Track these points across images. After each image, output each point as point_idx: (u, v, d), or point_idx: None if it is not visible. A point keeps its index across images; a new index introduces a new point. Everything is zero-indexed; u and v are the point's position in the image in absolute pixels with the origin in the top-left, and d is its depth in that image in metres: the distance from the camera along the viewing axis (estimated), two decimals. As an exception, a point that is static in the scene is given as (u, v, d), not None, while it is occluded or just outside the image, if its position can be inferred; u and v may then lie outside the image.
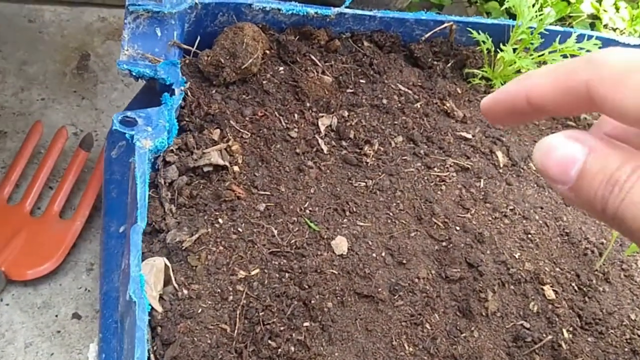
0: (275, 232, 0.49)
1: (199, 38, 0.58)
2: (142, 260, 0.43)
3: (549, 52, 0.66)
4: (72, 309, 0.59)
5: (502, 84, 0.66)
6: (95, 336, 0.58)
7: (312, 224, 0.50)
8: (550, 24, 0.67)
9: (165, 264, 0.43)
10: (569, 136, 0.22)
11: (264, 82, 0.58)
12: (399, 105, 0.61)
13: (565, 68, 0.22)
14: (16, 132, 0.70)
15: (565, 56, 0.65)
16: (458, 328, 0.48)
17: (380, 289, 0.48)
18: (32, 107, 0.72)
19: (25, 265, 0.59)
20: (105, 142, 0.61)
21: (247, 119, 0.55)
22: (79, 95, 0.75)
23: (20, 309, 0.58)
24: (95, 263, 0.63)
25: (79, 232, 0.62)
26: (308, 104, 0.58)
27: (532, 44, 0.65)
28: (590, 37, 0.66)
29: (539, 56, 0.66)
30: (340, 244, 0.50)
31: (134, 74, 0.51)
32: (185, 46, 0.57)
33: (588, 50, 0.64)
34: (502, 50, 0.65)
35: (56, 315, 0.59)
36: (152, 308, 0.41)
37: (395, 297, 0.48)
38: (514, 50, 0.65)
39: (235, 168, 0.51)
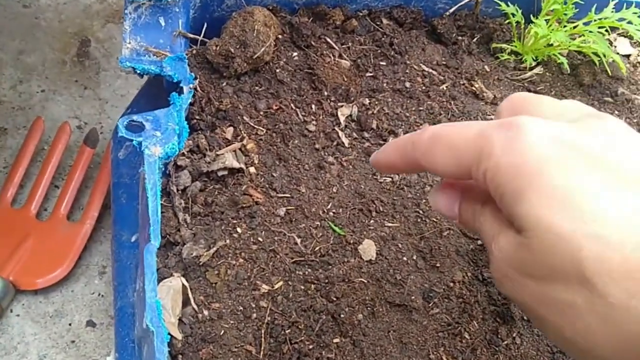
0: (298, 239, 0.45)
1: (205, 25, 0.53)
2: (157, 280, 0.40)
3: (584, 24, 0.60)
4: (86, 317, 0.57)
5: (533, 59, 0.61)
6: (112, 345, 0.55)
7: (336, 228, 0.47)
8: (585, -8, 0.62)
9: (183, 284, 0.40)
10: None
11: (278, 70, 0.53)
12: (424, 88, 0.57)
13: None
14: (17, 129, 0.66)
15: (602, 27, 0.60)
16: (499, 336, 0.45)
17: (413, 297, 0.44)
18: (32, 100, 0.68)
19: (34, 273, 0.56)
20: (111, 140, 0.57)
21: (261, 113, 0.51)
22: (80, 85, 0.71)
23: (31, 320, 0.55)
24: (108, 266, 0.60)
25: (89, 235, 0.59)
26: (326, 93, 0.54)
27: (565, 14, 0.60)
28: (629, 4, 0.61)
29: (573, 28, 0.60)
30: (368, 249, 0.46)
31: (138, 71, 0.47)
32: (191, 35, 0.52)
33: (630, 22, 0.58)
34: (532, 22, 0.60)
35: (70, 324, 0.56)
36: (172, 336, 0.38)
37: (430, 305, 0.45)
38: (546, 22, 0.60)
39: (252, 169, 0.48)
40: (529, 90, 0.60)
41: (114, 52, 0.75)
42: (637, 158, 0.23)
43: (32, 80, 0.70)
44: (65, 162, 0.64)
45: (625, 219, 0.22)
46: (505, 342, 0.45)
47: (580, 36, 0.62)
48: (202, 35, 0.53)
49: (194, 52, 0.52)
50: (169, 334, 0.37)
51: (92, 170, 0.64)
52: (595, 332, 0.23)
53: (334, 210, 0.48)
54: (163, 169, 0.45)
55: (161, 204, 0.45)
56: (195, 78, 0.48)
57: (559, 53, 0.62)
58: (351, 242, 0.46)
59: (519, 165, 0.24)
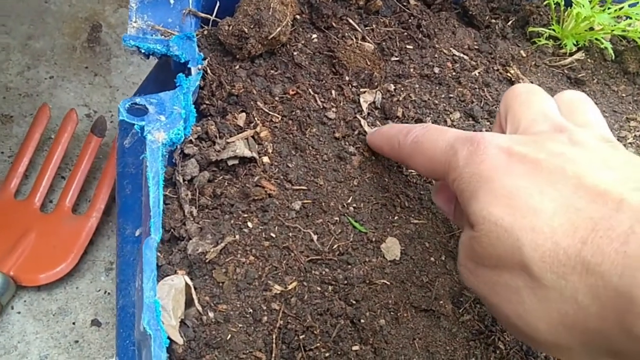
0: (315, 236, 0.41)
1: (218, 4, 0.50)
2: (160, 277, 0.37)
3: (630, 5, 0.55)
4: (91, 315, 0.53)
5: (574, 44, 0.56)
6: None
7: (357, 224, 0.42)
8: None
9: (187, 283, 0.36)
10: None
11: (295, 53, 0.49)
12: (454, 74, 0.52)
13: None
14: (23, 116, 0.63)
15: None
16: (536, 346, 0.40)
17: (441, 301, 0.40)
18: (39, 87, 0.66)
19: (37, 268, 0.53)
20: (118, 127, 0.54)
21: (276, 98, 0.47)
22: (90, 72, 0.68)
23: (33, 317, 0.52)
24: (115, 262, 0.56)
25: (94, 228, 0.56)
26: (347, 78, 0.50)
27: (609, -5, 0.55)
28: (680, -17, 0.55)
29: (619, 10, 0.55)
30: (392, 248, 0.42)
31: (142, 50, 0.43)
32: (202, 14, 0.48)
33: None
34: (572, 4, 0.55)
35: (73, 323, 0.53)
36: (172, 341, 0.34)
37: (460, 311, 0.40)
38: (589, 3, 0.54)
39: (265, 159, 0.44)
40: (569, 78, 0.55)
41: (127, 38, 0.71)
42: (570, 166, 0.27)
43: (41, 67, 0.67)
44: (72, 152, 0.61)
45: (554, 212, 0.26)
46: (544, 355, 0.40)
47: (626, 19, 0.56)
48: (214, 14, 0.49)
49: (205, 32, 0.48)
50: (169, 338, 0.33)
51: (100, 161, 0.61)
52: (533, 314, 0.27)
53: (354, 205, 0.44)
54: (168, 156, 0.41)
55: (166, 195, 0.41)
56: (205, 59, 0.45)
57: (602, 38, 0.57)
58: (373, 240, 0.42)
59: (476, 174, 0.29)
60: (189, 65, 0.43)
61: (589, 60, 0.57)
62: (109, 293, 0.55)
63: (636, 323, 0.22)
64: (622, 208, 0.24)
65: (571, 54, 0.57)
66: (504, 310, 0.28)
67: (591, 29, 0.57)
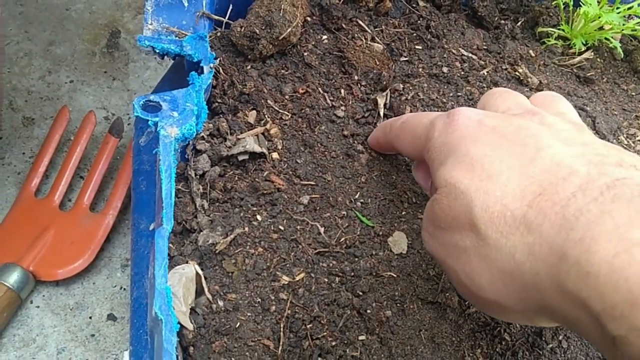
0: (322, 229, 0.42)
1: (230, 7, 0.51)
2: (172, 267, 0.38)
3: (639, 5, 0.55)
4: (107, 310, 0.55)
5: (583, 44, 0.57)
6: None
7: (364, 218, 0.43)
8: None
9: (197, 272, 0.37)
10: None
11: (305, 53, 0.50)
12: (462, 73, 0.53)
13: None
14: (44, 119, 0.65)
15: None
16: (543, 338, 0.40)
17: (447, 294, 0.41)
18: (60, 91, 0.68)
19: (55, 264, 0.54)
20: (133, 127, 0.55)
21: (286, 97, 0.48)
22: (109, 76, 0.70)
23: (51, 311, 0.54)
24: (130, 259, 0.58)
25: (111, 226, 0.57)
26: (356, 77, 0.51)
27: (618, -6, 0.55)
28: (690, -18, 0.55)
29: (627, 9, 0.55)
30: (399, 241, 0.42)
31: (157, 50, 0.45)
32: (215, 17, 0.50)
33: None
34: (582, 4, 0.56)
35: (90, 317, 0.54)
36: (182, 326, 0.35)
37: (467, 303, 0.41)
38: (598, 3, 0.55)
39: (275, 155, 0.45)
40: (578, 77, 0.56)
41: (144, 44, 0.73)
42: (532, 140, 0.29)
43: (61, 71, 0.69)
44: (90, 152, 0.63)
45: (507, 178, 0.27)
46: (550, 346, 0.40)
47: (635, 18, 0.57)
48: (227, 17, 0.51)
49: (218, 34, 0.50)
50: (179, 323, 0.34)
51: (117, 161, 0.63)
52: (478, 273, 0.28)
53: (362, 200, 0.44)
54: (181, 152, 0.42)
55: (179, 189, 0.42)
56: (216, 58, 0.46)
57: (612, 37, 0.57)
58: (380, 233, 0.43)
59: (446, 142, 0.31)
60: (201, 64, 0.44)
61: (598, 59, 0.58)
62: (124, 289, 0.56)
63: (565, 277, 0.24)
64: (569, 178, 0.26)
65: (580, 53, 0.57)
66: (455, 270, 0.30)
67: (600, 28, 0.57)
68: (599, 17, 0.53)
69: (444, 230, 0.31)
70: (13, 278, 0.51)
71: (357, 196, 0.44)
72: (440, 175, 0.30)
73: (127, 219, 0.60)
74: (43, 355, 0.51)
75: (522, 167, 0.28)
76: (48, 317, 0.53)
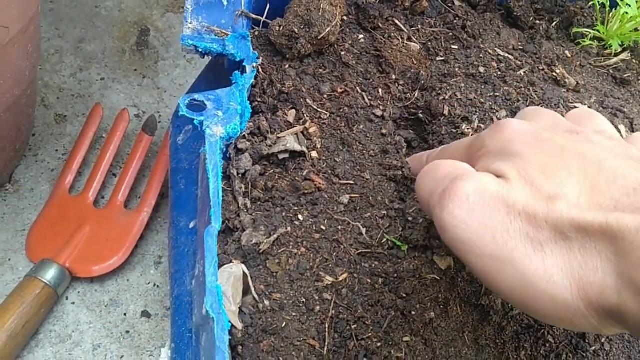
0: (363, 229, 0.42)
1: (268, 5, 0.51)
2: (218, 267, 0.38)
3: (677, 4, 0.55)
4: (141, 307, 0.55)
5: (619, 45, 0.56)
6: (166, 337, 0.54)
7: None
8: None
9: (244, 272, 0.37)
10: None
11: (343, 53, 0.50)
12: (499, 73, 0.53)
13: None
14: (76, 116, 0.65)
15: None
16: (587, 340, 0.40)
17: (491, 296, 0.40)
18: (91, 88, 0.68)
19: (90, 260, 0.55)
20: (170, 126, 0.56)
21: (325, 96, 0.48)
22: (139, 74, 0.70)
23: (87, 308, 0.54)
24: (164, 256, 0.58)
25: (145, 223, 0.58)
26: (394, 77, 0.51)
27: (657, -6, 0.55)
28: None
29: (666, 9, 0.55)
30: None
31: (200, 50, 0.45)
32: (254, 16, 0.50)
33: None
34: (617, 6, 0.55)
35: (125, 314, 0.55)
36: (232, 325, 0.35)
37: (510, 305, 0.41)
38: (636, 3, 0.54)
39: (314, 154, 0.45)
40: (615, 78, 0.55)
41: (173, 42, 0.74)
42: (590, 153, 0.29)
43: (92, 69, 0.69)
44: (123, 150, 0.63)
45: (580, 192, 0.28)
46: (594, 348, 0.40)
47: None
48: (264, 16, 0.51)
49: (256, 33, 0.50)
50: (229, 322, 0.34)
51: (150, 159, 0.63)
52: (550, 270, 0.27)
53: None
54: (224, 150, 0.42)
55: (222, 187, 0.42)
56: (259, 57, 0.46)
57: (648, 38, 0.56)
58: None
59: (506, 149, 0.31)
60: (243, 64, 0.44)
61: (634, 60, 0.57)
62: (158, 286, 0.57)
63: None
64: (638, 189, 0.26)
65: (616, 55, 0.57)
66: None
67: (637, 29, 0.57)
68: (638, 18, 0.53)
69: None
70: (50, 274, 0.52)
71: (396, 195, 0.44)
72: (506, 166, 0.30)
73: (159, 216, 0.60)
74: (79, 351, 0.52)
75: (590, 179, 0.28)
76: (83, 314, 0.54)
